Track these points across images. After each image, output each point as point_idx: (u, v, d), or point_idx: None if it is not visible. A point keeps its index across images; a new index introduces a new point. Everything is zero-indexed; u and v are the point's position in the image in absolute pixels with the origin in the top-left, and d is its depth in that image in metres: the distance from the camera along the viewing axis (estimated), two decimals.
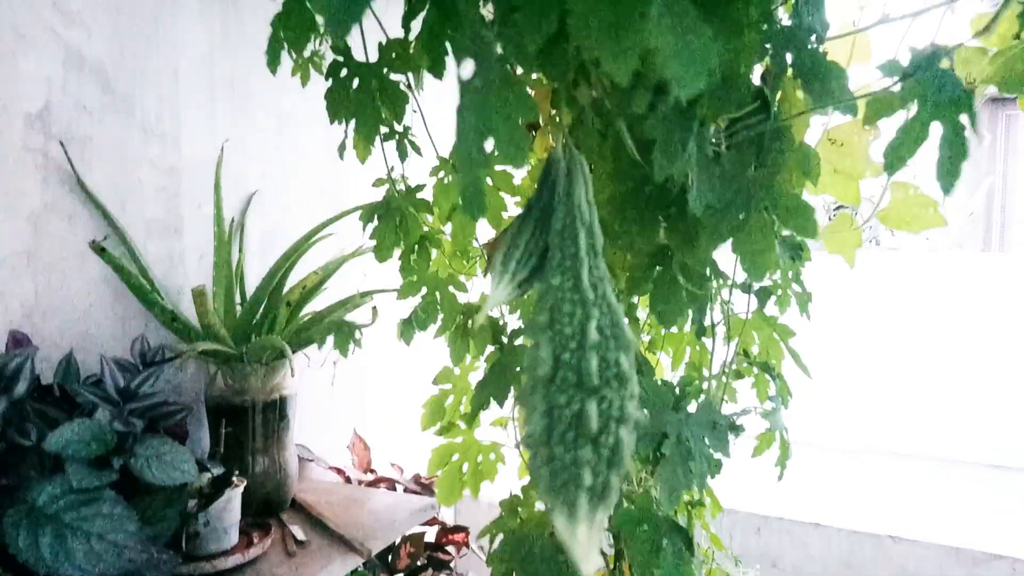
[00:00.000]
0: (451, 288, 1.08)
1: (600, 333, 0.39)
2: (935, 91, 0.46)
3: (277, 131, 1.42)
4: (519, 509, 1.23)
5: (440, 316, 1.10)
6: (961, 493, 2.23)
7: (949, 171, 0.43)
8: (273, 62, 0.81)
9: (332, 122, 0.86)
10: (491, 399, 0.99)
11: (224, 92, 1.30)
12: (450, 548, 1.55)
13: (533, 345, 0.39)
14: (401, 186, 1.06)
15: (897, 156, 0.43)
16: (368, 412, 1.75)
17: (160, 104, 1.18)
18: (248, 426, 1.18)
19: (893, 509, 2.06)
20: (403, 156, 0.98)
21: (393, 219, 1.04)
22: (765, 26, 0.63)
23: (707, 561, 1.31)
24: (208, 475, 0.88)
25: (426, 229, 1.07)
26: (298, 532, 1.15)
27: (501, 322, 1.12)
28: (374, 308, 1.23)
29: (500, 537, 1.03)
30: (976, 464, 2.47)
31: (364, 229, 1.02)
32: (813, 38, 0.65)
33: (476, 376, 1.07)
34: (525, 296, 0.48)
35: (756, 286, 0.94)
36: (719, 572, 1.31)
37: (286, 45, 0.80)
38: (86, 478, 0.71)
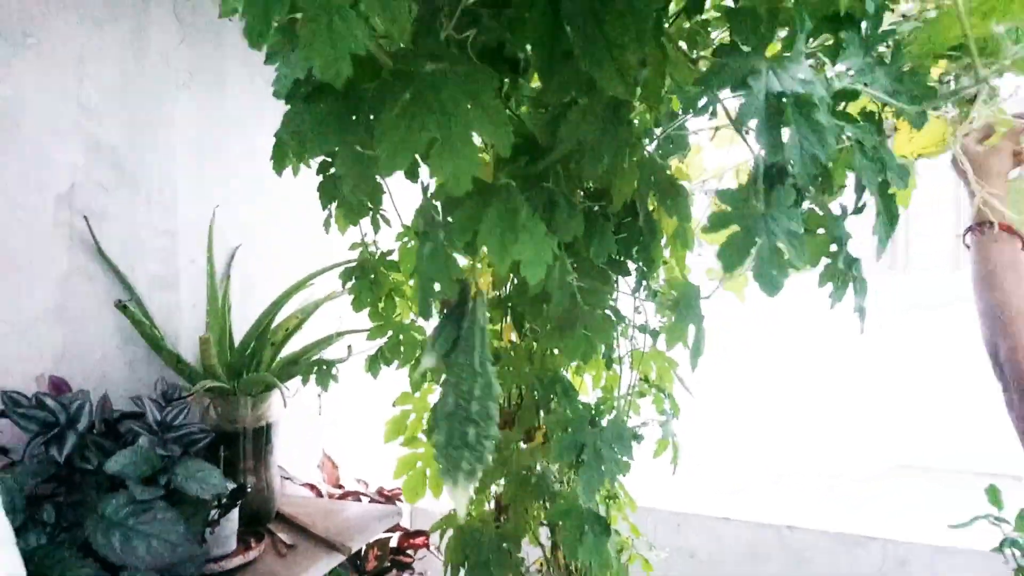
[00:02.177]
0: (412, 332, 1.33)
1: (480, 391, 0.67)
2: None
3: (256, 193, 1.64)
4: (476, 508, 1.49)
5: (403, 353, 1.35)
6: (849, 488, 2.58)
7: (770, 281, 0.68)
8: (279, 166, 1.04)
9: (324, 208, 1.10)
10: None
11: (212, 162, 1.52)
12: (410, 551, 1.78)
13: (443, 393, 0.67)
14: (372, 249, 1.31)
15: (729, 261, 0.68)
16: (335, 434, 1.97)
17: (161, 177, 1.40)
18: (239, 449, 1.39)
19: (790, 504, 2.39)
20: (376, 229, 1.23)
21: (367, 278, 1.29)
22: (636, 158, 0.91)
23: (627, 547, 1.59)
24: (226, 488, 1.10)
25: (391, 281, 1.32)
26: (286, 538, 1.37)
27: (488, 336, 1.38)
28: (349, 346, 1.46)
29: (450, 532, 1.28)
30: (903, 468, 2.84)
31: (344, 287, 1.27)
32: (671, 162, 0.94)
33: (434, 397, 1.33)
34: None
35: (650, 328, 1.23)
36: (637, 556, 1.59)
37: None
38: (142, 492, 0.93)
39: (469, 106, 0.47)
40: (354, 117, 0.59)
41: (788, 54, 0.63)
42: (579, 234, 0.72)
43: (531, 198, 0.72)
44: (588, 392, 1.50)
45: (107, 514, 0.90)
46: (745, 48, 0.58)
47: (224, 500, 1.11)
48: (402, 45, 0.43)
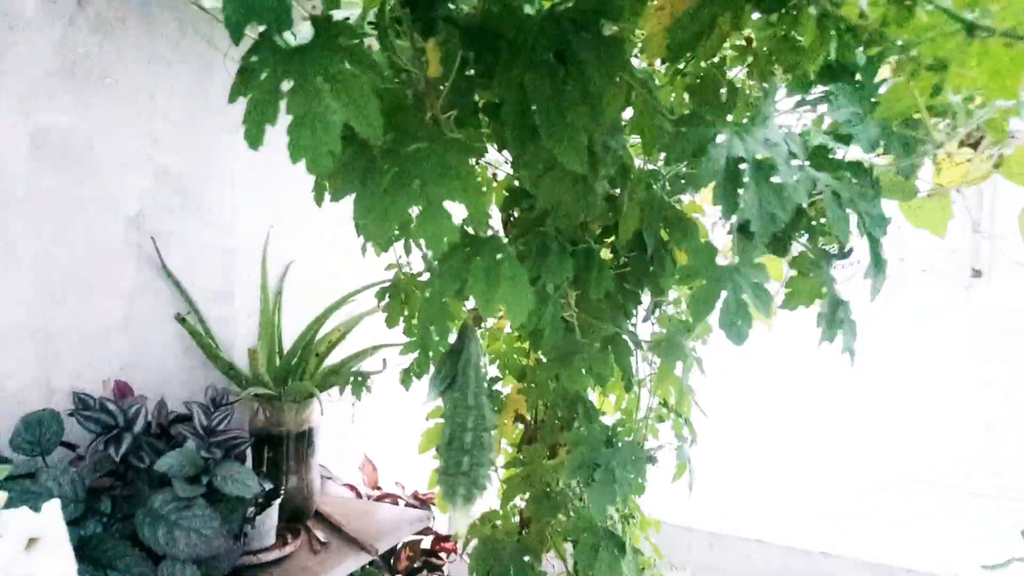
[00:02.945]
0: (441, 348, 1.41)
1: (472, 423, 0.74)
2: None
3: (307, 215, 1.76)
4: (497, 521, 1.56)
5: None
6: (889, 512, 2.52)
7: (735, 332, 0.74)
8: (319, 199, 1.13)
9: (358, 237, 1.19)
10: None
11: (267, 187, 1.65)
12: (442, 554, 1.87)
13: (444, 425, 0.74)
14: (406, 269, 1.40)
15: (696, 312, 0.74)
16: (377, 439, 2.07)
17: (221, 200, 1.53)
18: (283, 451, 1.51)
19: (825, 528, 2.36)
20: (408, 251, 1.32)
21: (399, 296, 1.38)
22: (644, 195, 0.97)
23: (649, 566, 1.63)
24: (262, 489, 1.21)
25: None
26: (321, 535, 1.47)
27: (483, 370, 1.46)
28: (384, 359, 1.56)
29: (475, 541, 1.35)
30: (905, 484, 2.77)
31: (379, 304, 1.36)
32: (679, 199, 0.98)
33: None
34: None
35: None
36: (658, 574, 1.63)
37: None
38: (185, 490, 1.04)
39: (445, 180, 0.54)
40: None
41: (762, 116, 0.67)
42: (569, 276, 0.78)
43: (527, 243, 0.79)
44: (614, 411, 1.55)
45: (154, 508, 1.02)
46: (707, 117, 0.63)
47: (260, 500, 1.21)
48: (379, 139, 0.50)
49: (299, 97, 0.48)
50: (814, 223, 0.80)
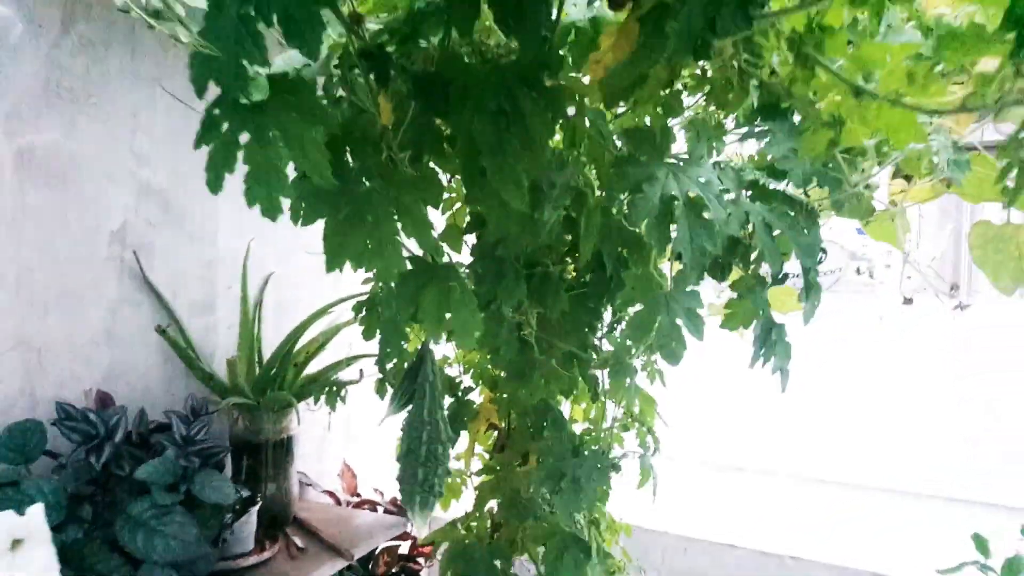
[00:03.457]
0: (400, 363, 1.46)
1: (427, 437, 0.79)
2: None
3: (287, 228, 1.80)
4: (472, 524, 1.62)
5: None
6: (856, 515, 2.59)
7: (670, 353, 0.80)
8: (295, 218, 1.19)
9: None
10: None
11: None
12: (420, 559, 1.91)
13: (402, 438, 0.79)
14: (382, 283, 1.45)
15: (635, 335, 0.80)
16: (356, 446, 2.12)
17: (203, 213, 1.58)
18: (262, 459, 1.55)
19: (797, 531, 2.43)
20: None
21: (376, 310, 1.43)
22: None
23: (619, 570, 1.68)
24: (239, 496, 1.26)
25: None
26: (299, 541, 1.52)
27: (457, 380, 1.52)
28: (360, 370, 1.60)
29: (445, 545, 1.40)
30: (872, 489, 2.84)
31: (356, 318, 1.41)
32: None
33: None
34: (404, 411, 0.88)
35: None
36: None
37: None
38: (164, 498, 1.09)
39: (397, 217, 0.59)
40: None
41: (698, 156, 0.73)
42: (524, 298, 0.84)
43: (484, 267, 0.84)
44: (584, 419, 1.61)
45: (133, 515, 1.07)
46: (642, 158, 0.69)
47: (238, 507, 1.26)
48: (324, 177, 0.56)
49: (255, 149, 0.53)
50: (751, 251, 0.86)
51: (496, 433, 1.59)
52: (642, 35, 0.57)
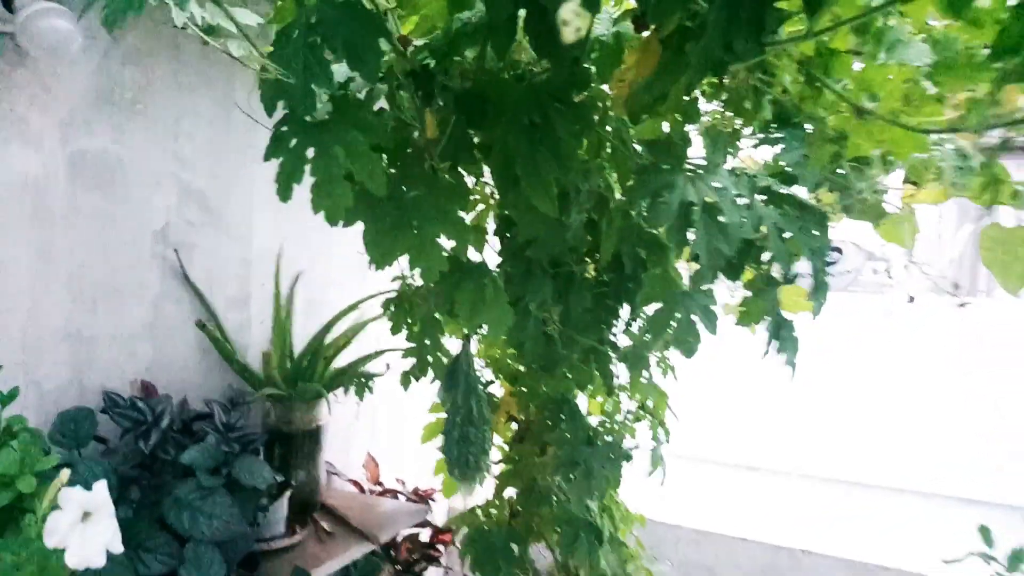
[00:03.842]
0: (439, 354, 1.53)
1: (460, 419, 0.86)
2: None
3: (320, 227, 1.88)
4: (491, 511, 1.69)
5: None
6: (865, 513, 2.63)
7: (687, 347, 0.86)
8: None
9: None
10: None
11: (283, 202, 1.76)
12: (440, 546, 1.98)
13: (446, 419, 0.86)
14: (409, 281, 1.52)
15: (654, 331, 0.86)
16: (380, 437, 2.19)
17: (240, 214, 1.65)
18: (293, 448, 1.63)
19: (807, 527, 2.47)
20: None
21: (403, 306, 1.50)
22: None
23: (633, 559, 1.74)
24: (274, 481, 1.33)
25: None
26: (327, 526, 1.59)
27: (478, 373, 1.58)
28: (387, 364, 1.67)
29: (464, 530, 1.48)
30: (880, 487, 2.88)
31: (384, 313, 1.48)
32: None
33: None
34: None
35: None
36: (642, 568, 1.74)
37: None
38: (208, 480, 1.16)
39: (437, 222, 0.66)
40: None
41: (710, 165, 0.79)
42: (548, 297, 0.90)
43: (514, 267, 0.91)
44: (600, 412, 1.67)
45: (180, 496, 1.14)
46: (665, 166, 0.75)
47: (273, 491, 1.33)
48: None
49: (321, 162, 0.59)
50: (763, 253, 0.92)
51: (515, 425, 1.65)
52: (664, 56, 0.63)
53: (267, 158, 0.61)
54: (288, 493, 1.44)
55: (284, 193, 0.63)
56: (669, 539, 2.42)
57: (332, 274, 1.95)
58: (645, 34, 0.72)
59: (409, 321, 1.53)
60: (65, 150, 1.30)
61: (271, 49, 0.59)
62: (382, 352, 1.72)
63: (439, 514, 2.43)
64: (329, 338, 1.72)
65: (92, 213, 1.35)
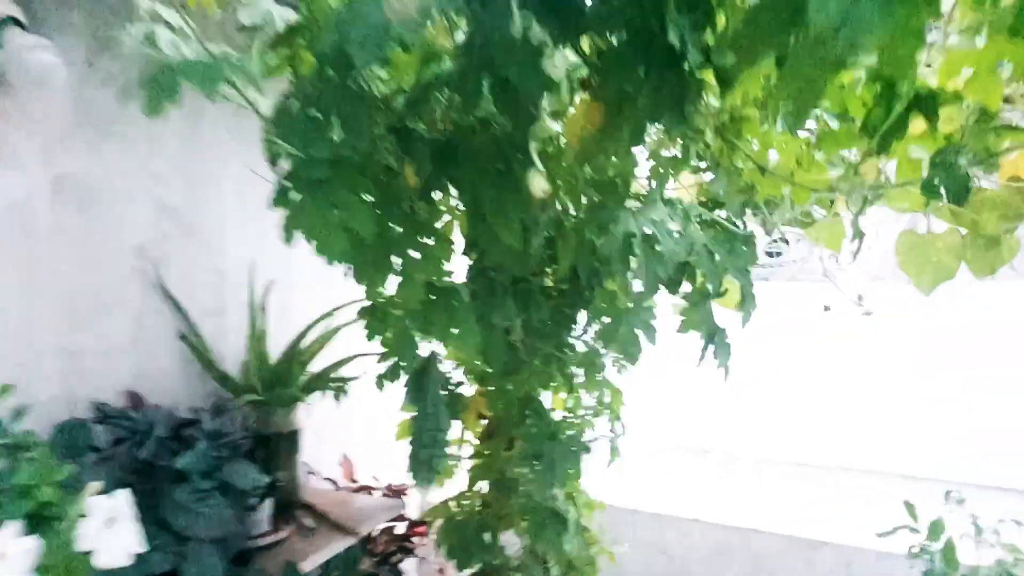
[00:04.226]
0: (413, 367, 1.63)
1: (430, 425, 0.97)
2: None
3: None
4: (464, 503, 1.81)
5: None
6: (808, 492, 2.84)
7: (631, 356, 0.99)
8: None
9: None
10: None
11: (254, 213, 1.84)
12: (415, 538, 2.09)
13: (414, 425, 0.97)
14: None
15: (604, 341, 0.99)
16: (354, 437, 2.29)
17: (212, 226, 1.73)
18: (273, 450, 1.72)
19: (755, 507, 2.66)
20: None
21: (377, 316, 1.60)
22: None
23: (595, 542, 1.88)
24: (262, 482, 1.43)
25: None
26: (308, 522, 1.69)
27: (448, 375, 1.70)
28: (364, 370, 1.77)
29: (439, 521, 1.59)
30: (822, 467, 3.10)
31: (360, 320, 1.58)
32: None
33: None
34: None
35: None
36: (603, 550, 1.88)
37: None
38: (203, 484, 1.25)
39: (416, 257, 0.77)
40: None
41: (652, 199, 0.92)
42: (511, 312, 1.02)
43: (479, 285, 1.02)
44: (563, 408, 1.80)
45: (177, 498, 1.23)
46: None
47: (261, 491, 1.43)
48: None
49: (319, 215, 0.70)
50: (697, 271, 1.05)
51: (485, 422, 1.77)
52: (606, 115, 0.75)
53: (274, 205, 0.71)
54: (273, 493, 1.53)
55: (288, 239, 0.73)
56: (628, 522, 2.58)
57: (301, 283, 2.04)
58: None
59: (383, 327, 1.64)
60: (47, 174, 1.37)
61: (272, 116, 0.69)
62: (355, 357, 1.82)
63: (413, 507, 2.54)
64: (303, 344, 1.81)
65: (75, 232, 1.42)
